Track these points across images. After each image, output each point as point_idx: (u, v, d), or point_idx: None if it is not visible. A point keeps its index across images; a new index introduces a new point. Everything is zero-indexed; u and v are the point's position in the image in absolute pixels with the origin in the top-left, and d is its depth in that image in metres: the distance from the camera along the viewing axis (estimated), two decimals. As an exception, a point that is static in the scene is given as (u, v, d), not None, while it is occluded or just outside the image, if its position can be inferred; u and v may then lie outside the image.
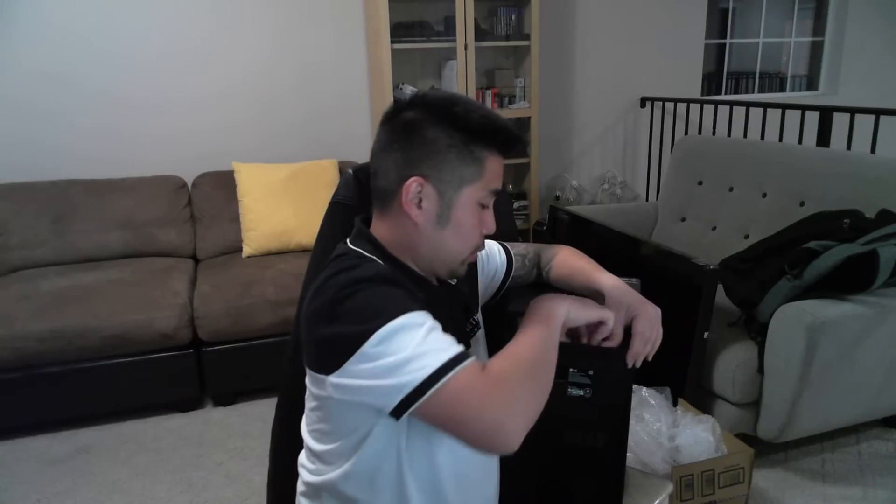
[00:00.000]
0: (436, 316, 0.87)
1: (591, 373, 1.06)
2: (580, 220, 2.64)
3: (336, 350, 0.83)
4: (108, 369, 2.51)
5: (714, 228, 2.91)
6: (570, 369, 1.05)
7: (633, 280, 1.62)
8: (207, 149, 3.35)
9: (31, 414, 2.50)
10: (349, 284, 0.85)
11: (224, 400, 2.71)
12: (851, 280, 1.96)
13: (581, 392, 1.06)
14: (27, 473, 2.29)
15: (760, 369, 2.03)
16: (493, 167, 0.97)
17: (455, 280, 1.07)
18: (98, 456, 2.38)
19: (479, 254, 1.15)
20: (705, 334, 1.96)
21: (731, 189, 2.85)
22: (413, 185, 0.93)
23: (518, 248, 1.33)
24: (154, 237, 3.08)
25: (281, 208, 3.04)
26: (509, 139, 0.98)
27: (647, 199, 4.27)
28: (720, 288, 2.09)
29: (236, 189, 3.11)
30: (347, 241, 1.01)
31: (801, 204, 2.48)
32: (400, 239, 0.99)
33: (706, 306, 1.94)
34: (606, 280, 1.17)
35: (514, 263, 1.30)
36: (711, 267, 1.92)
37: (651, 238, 3.13)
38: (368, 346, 0.80)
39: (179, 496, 2.14)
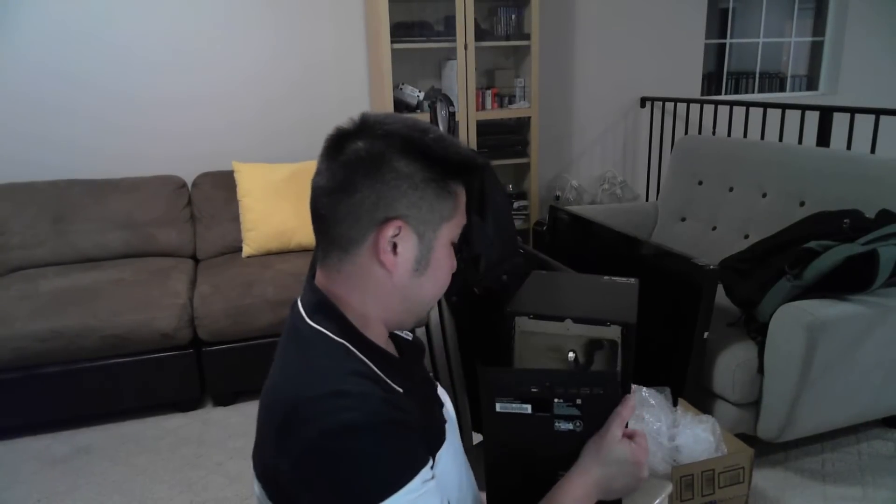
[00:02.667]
0: (412, 394, 0.82)
1: (578, 402, 0.90)
2: (580, 220, 2.64)
3: None
4: (108, 369, 2.51)
5: (714, 228, 2.91)
6: (555, 400, 0.90)
7: (632, 280, 1.62)
8: (207, 148, 3.35)
9: (31, 414, 2.50)
10: (336, 435, 0.69)
11: (224, 400, 2.71)
12: (851, 280, 1.96)
13: (570, 426, 0.91)
14: (27, 473, 2.29)
15: (760, 369, 2.03)
16: (463, 201, 0.87)
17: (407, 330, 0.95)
18: (98, 456, 2.38)
19: None
20: (705, 334, 1.96)
21: (731, 189, 2.85)
22: (390, 228, 0.79)
23: None
24: (154, 237, 3.08)
25: (281, 208, 3.04)
26: (476, 169, 0.86)
27: (647, 199, 4.27)
28: (720, 288, 2.09)
29: (236, 189, 3.12)
30: (304, 314, 0.84)
31: (801, 204, 2.48)
32: (364, 298, 0.83)
33: (706, 306, 1.94)
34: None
35: None
36: (711, 267, 1.92)
37: (651, 238, 3.13)
38: None
39: (179, 496, 2.14)
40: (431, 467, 0.76)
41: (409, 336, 0.97)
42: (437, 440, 0.86)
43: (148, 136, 3.29)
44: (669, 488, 1.37)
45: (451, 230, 0.85)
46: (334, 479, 0.68)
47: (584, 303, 1.57)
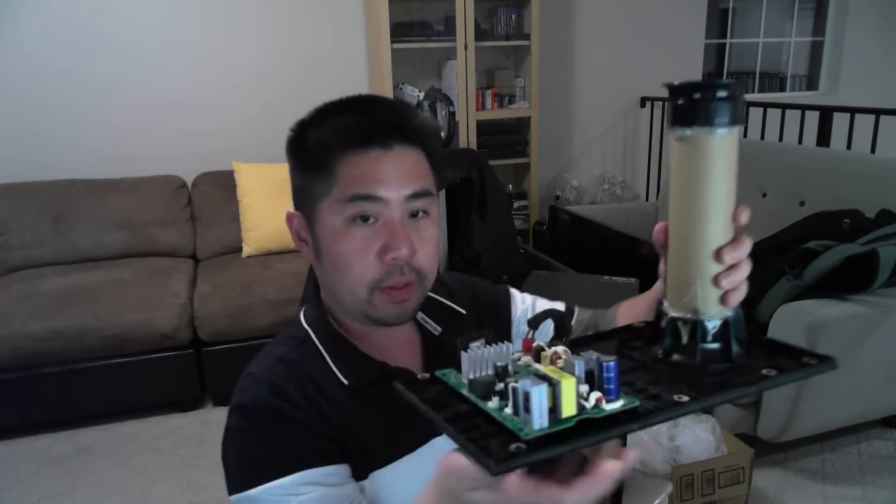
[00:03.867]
0: (369, 415, 0.77)
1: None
2: (580, 220, 2.65)
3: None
4: (108, 369, 2.51)
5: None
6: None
7: (632, 280, 1.62)
8: (208, 148, 3.35)
9: (31, 414, 2.50)
10: (230, 410, 0.76)
11: (224, 400, 2.70)
12: (851, 280, 1.96)
13: None
14: (27, 473, 2.29)
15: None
16: (350, 169, 0.74)
17: (438, 330, 0.88)
18: (98, 456, 2.38)
19: (516, 298, 0.98)
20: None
21: (731, 189, 2.85)
22: (293, 218, 0.83)
23: (587, 312, 1.02)
24: (154, 237, 3.07)
25: (281, 208, 3.02)
26: (359, 124, 0.75)
27: (647, 199, 4.27)
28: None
29: (236, 189, 3.11)
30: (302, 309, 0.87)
31: (801, 204, 2.48)
32: (323, 290, 0.85)
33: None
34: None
35: (570, 324, 0.97)
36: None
37: (651, 238, 3.13)
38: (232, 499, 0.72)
39: (179, 496, 2.14)
40: (356, 478, 0.75)
41: (437, 330, 0.88)
42: (383, 455, 0.78)
43: (148, 136, 3.29)
44: (669, 488, 1.37)
45: (331, 207, 0.75)
46: (224, 453, 0.75)
47: (584, 302, 1.57)
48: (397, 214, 0.75)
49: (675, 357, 0.61)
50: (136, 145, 3.27)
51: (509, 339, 0.90)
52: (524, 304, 0.99)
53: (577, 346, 0.61)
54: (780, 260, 2.05)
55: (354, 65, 3.56)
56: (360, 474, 0.76)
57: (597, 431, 0.50)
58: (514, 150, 3.67)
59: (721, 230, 0.61)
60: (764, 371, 0.55)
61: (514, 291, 1.00)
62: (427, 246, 0.78)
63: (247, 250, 3.05)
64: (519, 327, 0.97)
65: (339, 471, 0.74)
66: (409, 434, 0.79)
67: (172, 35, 3.23)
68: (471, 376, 0.57)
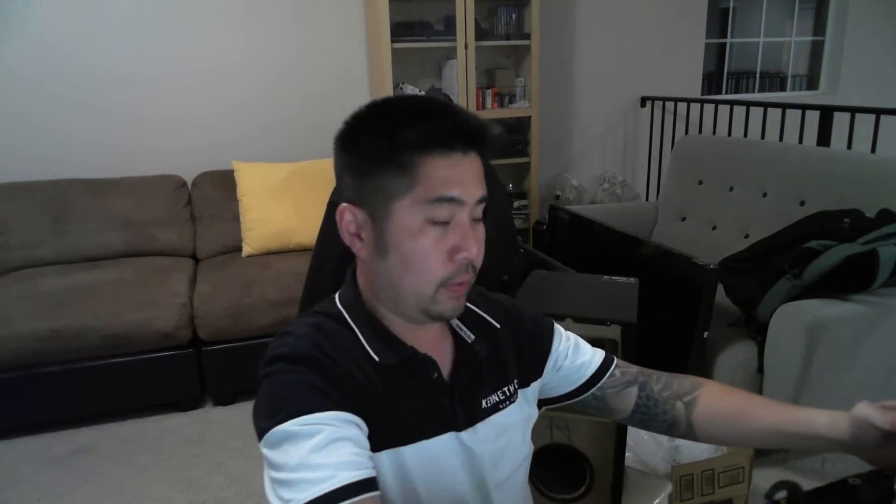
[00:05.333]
0: (392, 393, 0.79)
1: None
2: (580, 220, 2.64)
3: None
4: (108, 369, 2.51)
5: (714, 228, 2.90)
6: None
7: (632, 280, 1.62)
8: (207, 148, 3.35)
9: (31, 414, 2.50)
10: (265, 363, 0.78)
11: (224, 400, 2.70)
12: (852, 280, 1.95)
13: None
14: (27, 473, 2.29)
15: (760, 369, 2.03)
16: (433, 171, 0.76)
17: (468, 336, 0.90)
18: (98, 456, 2.38)
19: (560, 335, 0.99)
20: (705, 334, 1.96)
21: (731, 189, 2.85)
22: (344, 212, 0.82)
23: (632, 367, 1.00)
24: (154, 237, 3.07)
25: (281, 208, 3.04)
26: (446, 128, 0.78)
27: (647, 199, 4.26)
28: (720, 287, 2.09)
29: (236, 188, 3.11)
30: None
31: (802, 203, 2.48)
32: (362, 280, 0.87)
33: (706, 306, 1.94)
34: (819, 416, 0.85)
35: (612, 376, 0.98)
36: (711, 266, 1.92)
37: (651, 238, 3.13)
38: (263, 446, 0.72)
39: (179, 496, 2.14)
40: (359, 429, 0.75)
41: (470, 338, 0.90)
42: (403, 434, 0.80)
43: (148, 136, 3.28)
44: (669, 488, 1.37)
45: (410, 208, 0.77)
46: (258, 399, 0.75)
47: (584, 302, 1.57)
48: (467, 217, 0.79)
49: None
50: (137, 145, 3.27)
51: (541, 371, 0.96)
52: (567, 341, 1.00)
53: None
54: (780, 259, 2.05)
55: (354, 64, 3.56)
56: (374, 447, 0.77)
57: None
58: (515, 150, 3.67)
59: None
60: None
61: (558, 327, 1.01)
62: (483, 247, 0.82)
63: (247, 250, 3.05)
64: (556, 362, 0.97)
65: (363, 428, 0.76)
66: (429, 421, 0.82)
67: (173, 35, 3.23)
68: None
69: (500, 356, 0.92)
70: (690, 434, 0.93)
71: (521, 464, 0.93)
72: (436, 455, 0.81)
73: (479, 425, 0.86)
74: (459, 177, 0.78)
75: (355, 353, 0.80)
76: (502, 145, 3.64)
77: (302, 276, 1.59)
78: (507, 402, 0.90)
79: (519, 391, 0.92)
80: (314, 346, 0.78)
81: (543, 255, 2.46)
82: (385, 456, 0.78)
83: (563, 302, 1.58)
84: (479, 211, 0.81)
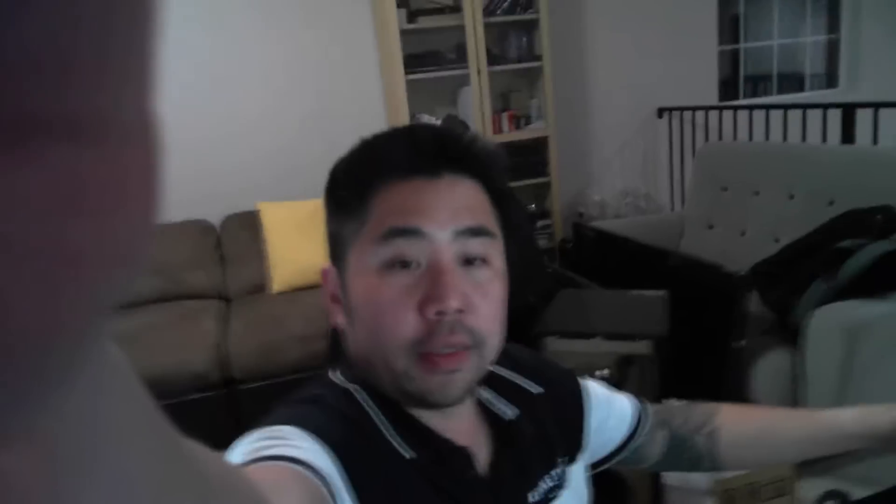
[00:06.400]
0: (424, 497, 0.61)
1: None
2: (606, 236, 2.63)
3: None
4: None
5: (743, 234, 2.86)
6: None
7: (661, 293, 1.60)
8: (235, 194, 3.40)
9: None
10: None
11: (261, 438, 2.71)
12: (888, 278, 1.91)
13: None
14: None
15: (796, 376, 1.98)
16: (389, 201, 0.61)
17: (510, 416, 0.71)
18: None
19: (588, 389, 0.83)
20: (742, 342, 1.93)
21: (756, 193, 2.81)
22: (327, 275, 0.69)
23: (654, 406, 0.89)
24: (184, 280, 3.12)
25: (306, 244, 3.07)
26: (403, 147, 0.64)
27: (672, 209, 4.22)
28: (753, 294, 2.06)
29: (262, 228, 3.16)
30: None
31: (831, 203, 2.43)
32: (353, 354, 0.68)
33: (739, 315, 1.90)
34: (846, 414, 0.83)
35: (646, 421, 0.85)
36: (741, 274, 1.89)
37: (679, 248, 3.09)
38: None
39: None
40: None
41: (508, 414, 0.72)
42: None
43: (176, 184, 3.35)
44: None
45: (363, 250, 0.62)
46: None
47: (613, 318, 1.56)
48: (446, 256, 0.60)
49: None
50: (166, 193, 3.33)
51: (581, 438, 0.79)
52: (597, 394, 0.84)
53: None
54: (812, 262, 2.01)
55: (370, 97, 3.61)
56: None
57: None
58: (535, 170, 3.67)
59: None
60: None
61: (584, 383, 0.84)
62: (487, 301, 0.62)
63: (275, 287, 3.09)
64: (596, 423, 0.82)
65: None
66: None
67: (197, 86, 3.31)
68: None
69: (542, 429, 0.73)
70: (717, 465, 0.85)
71: None
72: None
73: None
74: (423, 204, 0.61)
75: (376, 447, 0.62)
76: (507, 163, 3.64)
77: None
78: (559, 489, 0.72)
79: (569, 468, 0.75)
80: (343, 436, 0.59)
81: (571, 273, 2.45)
82: None
83: (592, 320, 1.57)
84: (473, 247, 0.61)
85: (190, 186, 3.39)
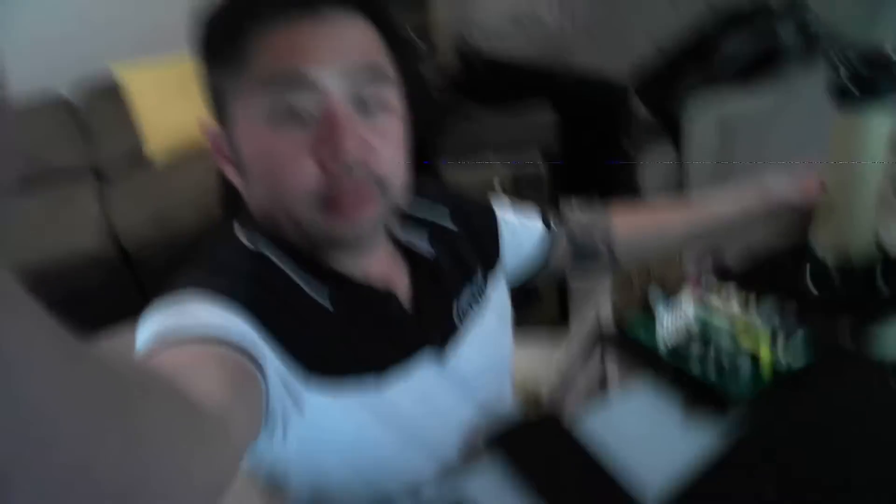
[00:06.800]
0: (349, 339, 0.63)
1: None
2: (491, 59, 2.58)
3: None
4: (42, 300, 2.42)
5: (624, 38, 2.87)
6: None
7: (548, 110, 1.61)
8: (77, 51, 3.03)
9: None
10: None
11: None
12: (761, 69, 2.00)
13: None
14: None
15: (682, 168, 2.10)
16: (269, 47, 0.56)
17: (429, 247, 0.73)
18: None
19: (502, 212, 0.85)
20: (627, 148, 2.01)
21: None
22: (212, 135, 0.65)
23: (573, 215, 0.92)
24: (48, 161, 2.85)
25: (181, 102, 2.85)
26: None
27: (558, 28, 4.16)
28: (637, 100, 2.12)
29: (125, 94, 2.89)
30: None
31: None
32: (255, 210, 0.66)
33: (624, 120, 1.96)
34: (721, 201, 0.88)
35: (556, 237, 0.89)
36: (623, 84, 1.93)
37: (567, 65, 3.09)
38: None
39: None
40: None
41: (425, 250, 0.72)
42: (368, 381, 0.64)
43: (13, 48, 2.96)
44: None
45: (247, 104, 0.58)
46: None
47: (504, 141, 1.57)
48: (339, 104, 0.57)
49: (827, 296, 0.75)
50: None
51: (498, 254, 0.82)
52: (508, 223, 0.85)
53: (730, 275, 0.78)
54: (689, 59, 2.07)
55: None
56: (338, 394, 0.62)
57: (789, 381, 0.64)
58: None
59: (879, 188, 0.75)
60: None
61: (496, 206, 0.86)
62: (389, 144, 0.60)
63: (155, 156, 2.89)
64: (511, 243, 0.84)
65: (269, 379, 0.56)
66: (401, 359, 0.66)
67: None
68: (668, 342, 0.70)
69: (459, 259, 0.75)
70: (613, 264, 0.91)
71: (508, 362, 0.83)
72: (419, 391, 0.67)
73: (461, 346, 0.72)
74: (307, 44, 0.56)
75: (294, 302, 0.62)
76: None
77: (215, 168, 1.53)
78: (481, 307, 0.76)
79: (488, 286, 0.78)
80: (255, 297, 0.59)
81: (459, 100, 2.42)
82: (356, 404, 0.63)
83: (484, 144, 1.57)
84: (367, 89, 0.58)
85: (29, 53, 3.01)
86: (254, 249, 0.64)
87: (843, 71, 0.70)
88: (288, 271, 0.62)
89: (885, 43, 0.69)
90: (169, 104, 2.86)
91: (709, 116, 1.97)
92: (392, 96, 0.61)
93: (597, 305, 1.26)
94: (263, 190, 0.60)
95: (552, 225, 0.90)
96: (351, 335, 0.63)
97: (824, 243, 0.80)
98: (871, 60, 0.69)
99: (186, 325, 0.52)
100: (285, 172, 0.57)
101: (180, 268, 0.64)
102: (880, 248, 0.80)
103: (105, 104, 2.95)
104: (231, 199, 0.79)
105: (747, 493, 0.54)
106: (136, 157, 2.95)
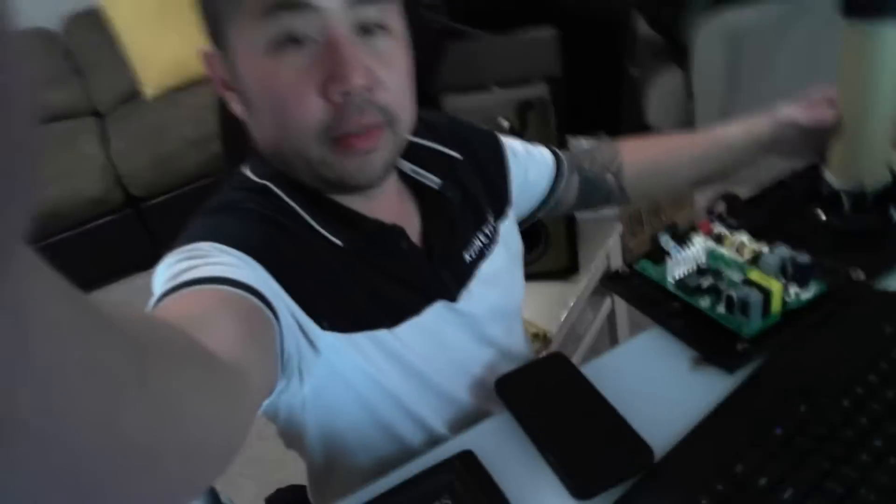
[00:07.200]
0: (361, 278, 0.63)
1: None
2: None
3: None
4: (52, 250, 2.44)
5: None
6: None
7: (550, 31, 1.56)
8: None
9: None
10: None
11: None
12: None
13: None
14: None
15: (690, 94, 2.05)
16: None
17: (440, 185, 0.71)
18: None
19: (507, 144, 0.82)
20: (634, 69, 1.95)
21: None
22: (210, 60, 0.62)
23: (565, 152, 0.90)
24: (44, 100, 2.82)
25: (171, 35, 2.75)
26: None
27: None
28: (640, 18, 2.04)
29: (111, 25, 2.79)
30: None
31: None
32: (261, 144, 0.65)
33: (628, 40, 1.90)
34: (734, 129, 0.85)
35: (564, 169, 0.87)
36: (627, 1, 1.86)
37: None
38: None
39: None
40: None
41: (434, 183, 0.71)
42: (377, 318, 0.64)
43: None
44: (620, 227, 1.43)
45: (246, 30, 0.56)
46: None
47: (506, 66, 1.52)
48: (341, 28, 0.55)
49: (838, 223, 0.74)
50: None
51: (508, 193, 0.80)
52: (516, 155, 0.83)
53: (739, 212, 0.77)
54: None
55: None
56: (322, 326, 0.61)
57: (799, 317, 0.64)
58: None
59: (895, 110, 0.71)
60: None
61: (503, 139, 0.83)
62: (394, 73, 0.58)
63: (148, 92, 2.83)
64: (520, 178, 0.83)
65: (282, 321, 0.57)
66: (412, 298, 0.67)
67: None
68: (676, 275, 0.68)
69: (468, 193, 0.74)
70: (625, 199, 0.91)
71: (519, 302, 0.82)
72: (431, 330, 0.68)
73: (472, 285, 0.71)
74: None
75: (305, 240, 0.62)
76: None
77: (215, 104, 1.50)
78: (492, 245, 0.75)
79: (498, 223, 0.78)
80: (266, 236, 0.59)
81: (458, 25, 2.34)
82: (368, 342, 0.63)
83: (485, 70, 1.53)
84: (370, 13, 0.56)
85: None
86: (262, 185, 0.63)
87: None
88: (297, 208, 0.62)
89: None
90: (157, 35, 2.77)
91: (715, 33, 1.91)
92: (394, 19, 0.59)
93: (607, 249, 1.26)
94: (270, 123, 0.59)
95: (560, 155, 0.88)
96: (362, 273, 0.63)
97: (835, 168, 0.78)
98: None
99: (199, 268, 0.52)
100: (289, 106, 0.56)
101: (190, 213, 0.64)
102: (894, 173, 0.78)
103: (92, 37, 2.87)
104: (232, 137, 0.76)
105: (761, 431, 0.55)
106: (131, 94, 2.89)
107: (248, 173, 0.65)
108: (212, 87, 0.66)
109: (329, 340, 0.61)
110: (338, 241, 0.62)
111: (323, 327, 0.60)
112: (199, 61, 0.63)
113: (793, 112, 0.81)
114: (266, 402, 0.62)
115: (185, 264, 0.53)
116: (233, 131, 0.68)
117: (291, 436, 0.69)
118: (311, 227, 0.62)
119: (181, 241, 0.58)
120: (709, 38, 1.92)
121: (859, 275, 0.68)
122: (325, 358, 0.61)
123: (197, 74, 2.82)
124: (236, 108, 0.63)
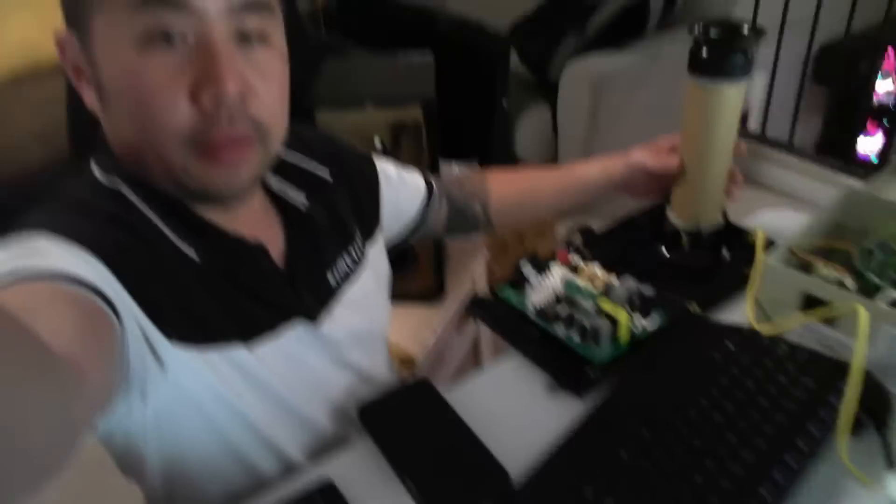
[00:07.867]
0: (215, 293, 0.59)
1: None
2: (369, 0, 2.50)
3: None
4: None
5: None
6: None
7: (427, 55, 1.58)
8: None
9: None
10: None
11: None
12: (629, 29, 2.07)
13: None
14: None
15: (555, 129, 2.16)
16: None
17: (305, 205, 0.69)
18: None
19: (382, 168, 0.82)
20: (504, 102, 2.02)
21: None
22: (63, 43, 0.56)
23: (435, 177, 0.91)
24: None
25: (14, 13, 2.51)
26: None
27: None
28: (513, 53, 2.13)
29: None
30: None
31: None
32: (112, 140, 0.60)
33: (502, 74, 1.97)
34: (592, 169, 0.91)
35: (436, 196, 0.88)
36: (502, 35, 1.93)
37: (445, 7, 3.05)
38: None
39: None
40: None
41: (300, 202, 0.69)
42: (233, 333, 0.60)
43: None
44: (486, 253, 1.47)
45: (113, 21, 0.51)
46: None
47: (382, 85, 1.53)
48: (218, 32, 0.51)
49: (678, 259, 0.83)
50: None
51: (378, 216, 0.80)
52: (388, 179, 0.83)
53: (596, 244, 0.85)
54: (563, 17, 2.11)
55: None
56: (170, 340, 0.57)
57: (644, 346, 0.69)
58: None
59: (729, 161, 0.80)
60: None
61: (377, 161, 0.83)
62: (270, 86, 0.56)
63: (-13, 77, 2.56)
64: (391, 201, 0.82)
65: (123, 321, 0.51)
66: (270, 318, 0.63)
67: None
68: (535, 302, 0.73)
69: (335, 213, 0.72)
70: (489, 229, 0.94)
71: (384, 327, 0.82)
72: (290, 354, 0.65)
73: (335, 308, 0.69)
74: None
75: (156, 249, 0.57)
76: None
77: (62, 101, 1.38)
78: (359, 268, 0.73)
79: (366, 247, 0.76)
80: (112, 238, 0.54)
81: (336, 39, 2.33)
82: (222, 361, 0.59)
83: (361, 87, 1.53)
84: (251, 26, 0.53)
85: None
86: (112, 188, 0.58)
87: (696, 40, 0.73)
88: (151, 215, 0.58)
89: (737, 16, 0.73)
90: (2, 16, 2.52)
91: (580, 76, 2.02)
92: (275, 32, 0.57)
93: (473, 275, 1.29)
94: (129, 122, 0.54)
95: (432, 182, 0.89)
96: (218, 290, 0.60)
97: (677, 209, 0.85)
98: (724, 33, 0.72)
99: (34, 263, 0.46)
100: (154, 107, 0.52)
101: (29, 208, 0.57)
102: (726, 217, 0.86)
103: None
104: (82, 131, 0.70)
105: (607, 455, 0.58)
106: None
107: (97, 174, 0.60)
108: (59, 79, 0.60)
109: (178, 356, 0.56)
110: (193, 256, 0.59)
111: (172, 341, 0.56)
112: (54, 45, 0.57)
113: (643, 157, 0.88)
114: (101, 424, 0.57)
115: (18, 261, 0.47)
116: (84, 130, 0.62)
117: (128, 462, 0.63)
118: (164, 235, 0.58)
119: (15, 235, 0.51)
120: (575, 79, 2.04)
121: (695, 307, 0.75)
122: (172, 376, 0.56)
123: (43, 63, 2.60)
124: (90, 102, 0.57)
